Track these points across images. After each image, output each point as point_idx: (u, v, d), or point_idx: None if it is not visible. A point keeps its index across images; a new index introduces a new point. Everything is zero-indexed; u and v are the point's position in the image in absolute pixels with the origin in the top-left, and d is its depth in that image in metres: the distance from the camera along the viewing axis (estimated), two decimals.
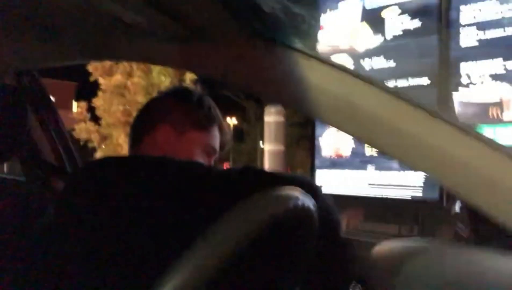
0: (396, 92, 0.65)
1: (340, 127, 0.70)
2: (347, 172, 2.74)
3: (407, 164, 0.65)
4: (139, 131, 0.84)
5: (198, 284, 0.38)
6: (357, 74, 0.67)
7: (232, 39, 0.69)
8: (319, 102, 0.69)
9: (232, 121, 26.88)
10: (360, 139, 0.69)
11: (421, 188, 2.43)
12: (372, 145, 0.68)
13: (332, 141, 2.82)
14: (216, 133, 0.87)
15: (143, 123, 0.84)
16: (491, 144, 0.58)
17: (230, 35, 0.69)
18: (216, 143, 0.88)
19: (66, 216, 0.63)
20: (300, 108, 0.72)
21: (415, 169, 0.64)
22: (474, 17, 2.30)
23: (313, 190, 0.73)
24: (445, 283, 0.33)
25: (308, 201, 0.52)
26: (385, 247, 0.49)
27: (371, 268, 0.47)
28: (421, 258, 0.40)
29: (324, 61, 0.69)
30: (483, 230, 0.64)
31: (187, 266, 0.39)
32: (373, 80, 0.66)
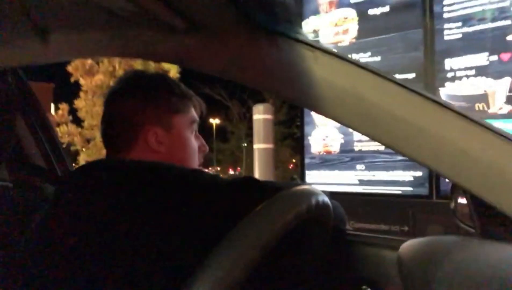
0: (404, 84, 0.63)
1: (346, 122, 0.67)
2: (336, 170, 2.74)
3: (416, 160, 0.63)
4: (123, 136, 0.77)
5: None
6: (363, 65, 0.65)
7: (234, 32, 0.66)
8: (324, 96, 0.67)
9: (215, 121, 26.76)
10: (367, 134, 0.67)
11: (411, 184, 2.44)
12: (380, 140, 0.65)
13: (321, 138, 2.82)
14: (192, 108, 0.85)
15: (127, 128, 0.77)
16: (504, 137, 0.56)
17: (231, 27, 0.66)
18: (195, 114, 0.85)
19: (59, 220, 0.61)
20: (305, 103, 0.70)
21: (425, 165, 0.62)
22: (458, 11, 2.33)
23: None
24: (486, 278, 0.32)
25: (326, 198, 0.50)
26: (414, 245, 0.47)
27: (399, 267, 0.45)
28: (458, 253, 0.38)
29: (329, 52, 0.67)
30: (492, 226, 0.63)
31: (216, 269, 0.37)
32: (380, 72, 0.64)
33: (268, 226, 0.39)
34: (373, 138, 0.65)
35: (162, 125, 0.77)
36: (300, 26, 2.81)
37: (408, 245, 0.48)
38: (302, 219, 0.42)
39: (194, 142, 0.83)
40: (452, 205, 0.96)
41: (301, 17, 2.92)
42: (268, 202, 0.43)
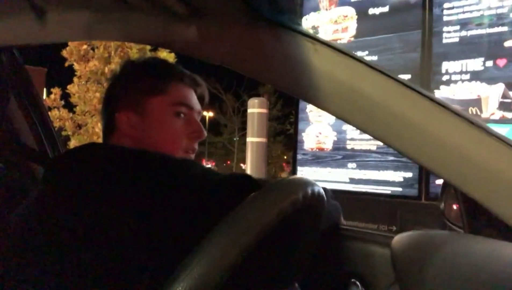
0: (402, 80, 0.63)
1: (341, 115, 0.67)
2: (328, 167, 2.75)
3: (408, 156, 0.63)
4: (106, 123, 0.80)
5: (216, 278, 0.36)
6: (362, 60, 0.65)
7: (236, 20, 0.66)
8: (322, 88, 0.66)
9: (208, 114, 26.69)
10: (362, 128, 0.67)
11: (401, 184, 2.46)
12: (376, 136, 0.66)
13: (315, 135, 2.82)
14: (180, 89, 0.78)
15: (105, 118, 0.80)
16: (498, 137, 0.57)
17: (233, 15, 0.65)
18: (187, 98, 0.78)
19: (47, 203, 0.60)
20: (302, 94, 0.70)
21: (420, 163, 0.62)
22: (457, 15, 2.34)
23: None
24: (474, 271, 0.32)
25: (321, 189, 0.50)
26: (406, 238, 0.48)
27: (392, 259, 0.45)
28: (448, 246, 0.39)
29: (329, 44, 0.66)
30: (480, 225, 0.63)
31: (207, 256, 0.36)
32: (378, 67, 0.64)
33: (262, 213, 0.39)
34: (367, 132, 0.66)
35: (135, 109, 0.75)
36: (301, 18, 2.81)
37: (401, 237, 0.48)
38: (298, 207, 0.42)
39: (178, 124, 0.77)
40: (442, 205, 0.97)
41: (302, 9, 2.91)
42: (264, 189, 0.43)
